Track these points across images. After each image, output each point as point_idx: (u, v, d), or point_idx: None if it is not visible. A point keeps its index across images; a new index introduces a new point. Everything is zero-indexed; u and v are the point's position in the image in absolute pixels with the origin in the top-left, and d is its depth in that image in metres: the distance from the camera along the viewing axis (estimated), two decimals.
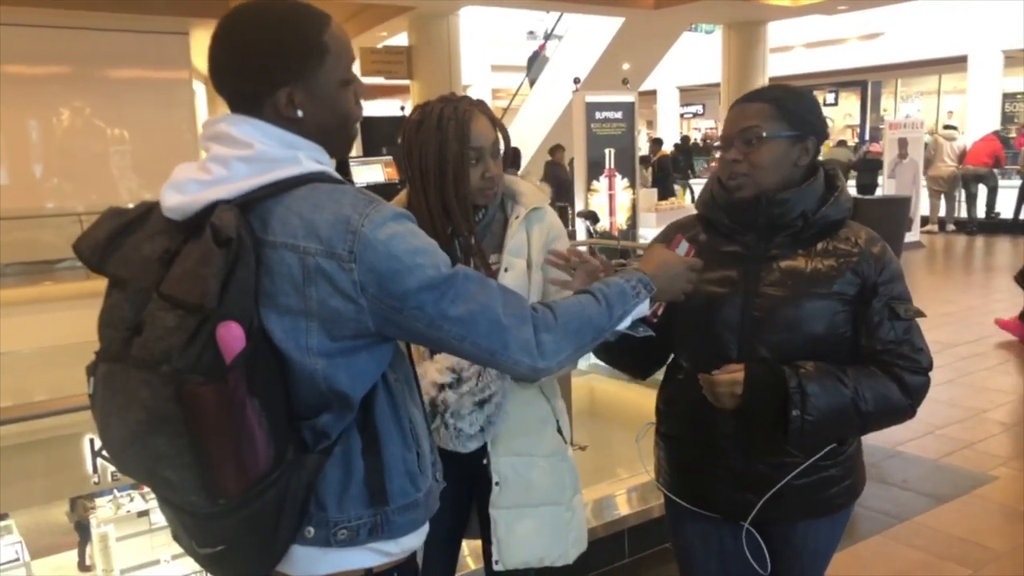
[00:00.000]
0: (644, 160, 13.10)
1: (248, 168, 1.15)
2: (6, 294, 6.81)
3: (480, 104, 1.79)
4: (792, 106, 1.65)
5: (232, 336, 1.07)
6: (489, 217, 1.84)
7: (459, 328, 1.19)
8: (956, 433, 4.57)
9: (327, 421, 1.19)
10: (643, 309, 1.39)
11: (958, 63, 17.38)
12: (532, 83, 15.55)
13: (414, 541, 1.33)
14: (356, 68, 1.31)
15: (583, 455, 3.10)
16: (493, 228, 1.85)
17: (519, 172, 2.13)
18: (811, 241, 1.66)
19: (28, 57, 9.11)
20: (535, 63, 15.87)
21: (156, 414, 1.09)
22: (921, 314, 1.66)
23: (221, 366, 1.06)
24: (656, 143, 15.61)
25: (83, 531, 2.84)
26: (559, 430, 1.89)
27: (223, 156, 1.17)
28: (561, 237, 1.87)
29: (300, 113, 1.20)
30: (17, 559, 2.75)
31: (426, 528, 1.34)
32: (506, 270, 1.78)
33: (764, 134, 1.62)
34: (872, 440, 4.15)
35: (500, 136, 1.78)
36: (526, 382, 1.74)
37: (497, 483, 1.81)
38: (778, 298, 1.63)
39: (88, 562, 2.82)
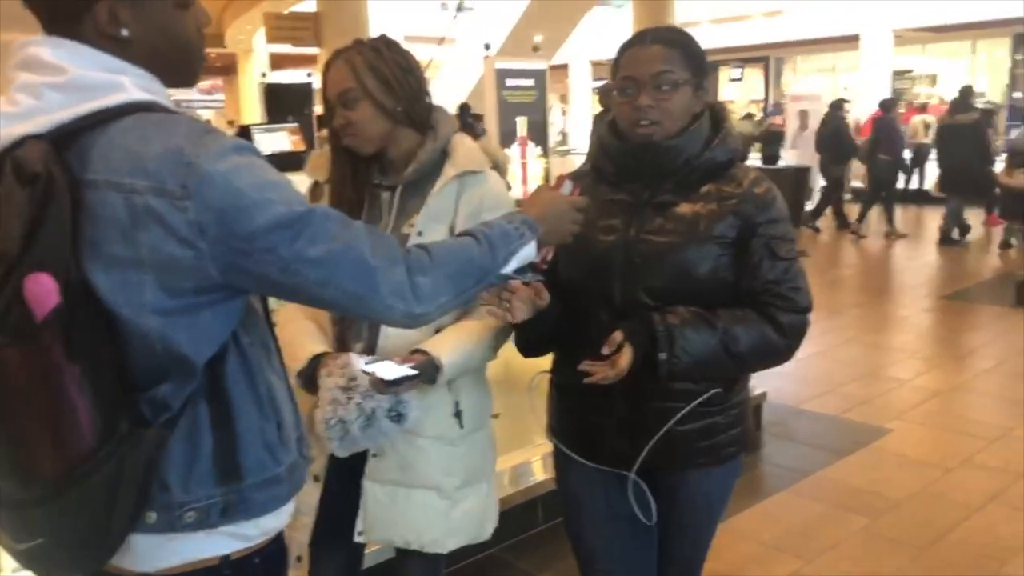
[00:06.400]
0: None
1: (63, 97, 0.99)
2: None
3: (354, 49, 1.66)
4: (695, 52, 1.64)
5: (43, 290, 0.92)
6: (420, 173, 1.71)
7: (320, 271, 1.05)
8: (854, 390, 4.75)
9: (167, 390, 1.04)
10: (529, 253, 1.30)
11: (852, 41, 18.02)
12: None
13: (276, 521, 1.19)
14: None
15: (497, 424, 3.07)
16: (427, 186, 1.71)
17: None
18: (696, 185, 1.64)
19: None
20: None
21: None
22: (804, 254, 1.66)
23: (31, 325, 0.92)
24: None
25: None
26: (457, 414, 1.74)
27: (32, 84, 1.00)
28: (500, 209, 1.63)
29: (125, 32, 1.04)
30: None
31: (291, 507, 1.22)
32: (420, 234, 1.65)
33: (679, 80, 1.59)
34: (777, 399, 4.31)
35: (364, 83, 1.64)
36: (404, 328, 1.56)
37: (374, 454, 1.70)
38: (658, 243, 1.61)
39: None
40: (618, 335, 1.54)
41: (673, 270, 1.61)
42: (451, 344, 1.66)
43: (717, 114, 1.70)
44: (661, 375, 1.56)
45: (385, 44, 1.69)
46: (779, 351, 1.63)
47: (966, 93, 9.66)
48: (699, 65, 1.64)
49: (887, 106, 10.38)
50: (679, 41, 1.63)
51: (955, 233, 9.26)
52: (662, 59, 1.59)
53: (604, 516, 1.79)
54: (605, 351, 1.53)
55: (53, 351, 0.93)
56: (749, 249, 1.61)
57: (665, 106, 1.60)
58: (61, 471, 0.97)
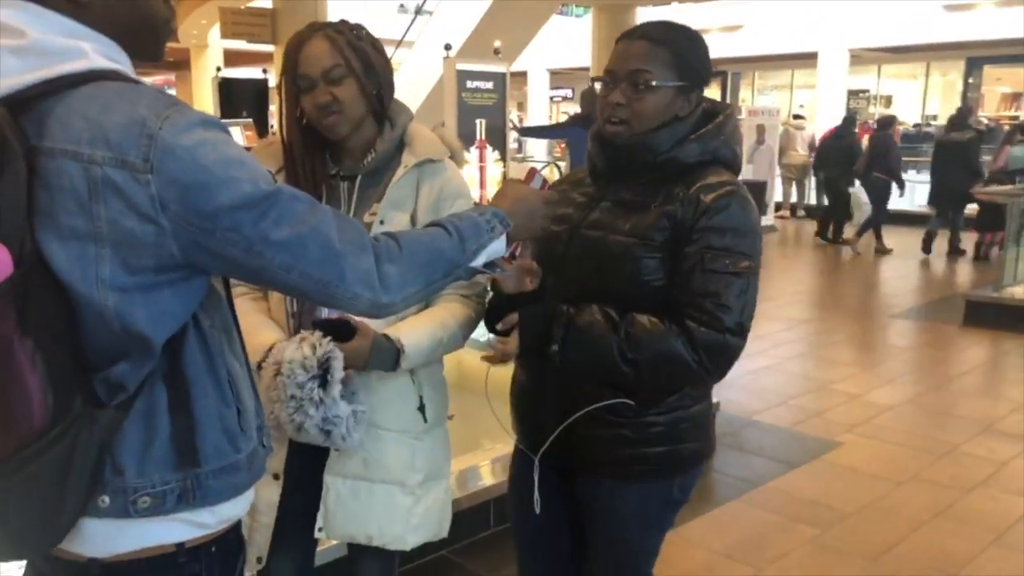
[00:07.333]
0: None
1: (20, 62, 0.95)
2: None
3: (330, 27, 1.60)
4: (687, 54, 1.56)
5: None
6: (378, 162, 1.67)
7: (285, 255, 1.02)
8: (806, 403, 4.77)
9: (123, 371, 1.01)
10: (499, 247, 1.27)
11: (809, 59, 18.34)
12: None
13: (234, 510, 1.15)
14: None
15: (450, 426, 3.02)
16: (385, 176, 1.67)
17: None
18: (650, 185, 1.57)
19: None
20: None
21: None
22: (751, 271, 1.52)
23: None
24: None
25: None
26: (421, 408, 1.71)
27: None
28: (459, 198, 1.68)
29: None
30: None
31: (250, 496, 1.18)
32: (382, 222, 1.61)
33: (654, 82, 1.52)
34: (729, 409, 4.33)
35: (349, 60, 1.58)
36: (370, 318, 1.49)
37: (336, 448, 1.64)
38: (588, 237, 1.59)
39: None
40: (513, 317, 1.54)
41: (597, 265, 1.58)
42: (414, 328, 1.62)
43: (710, 115, 1.61)
44: (554, 367, 1.54)
45: (358, 27, 1.65)
46: (689, 368, 1.49)
47: (964, 112, 10.06)
48: (689, 66, 1.56)
49: (884, 124, 10.44)
50: (668, 39, 1.55)
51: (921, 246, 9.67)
52: (643, 57, 1.54)
53: (514, 496, 1.83)
54: (499, 328, 1.55)
55: (5, 323, 0.90)
56: (683, 256, 1.52)
57: (637, 106, 1.55)
58: (10, 451, 0.94)
